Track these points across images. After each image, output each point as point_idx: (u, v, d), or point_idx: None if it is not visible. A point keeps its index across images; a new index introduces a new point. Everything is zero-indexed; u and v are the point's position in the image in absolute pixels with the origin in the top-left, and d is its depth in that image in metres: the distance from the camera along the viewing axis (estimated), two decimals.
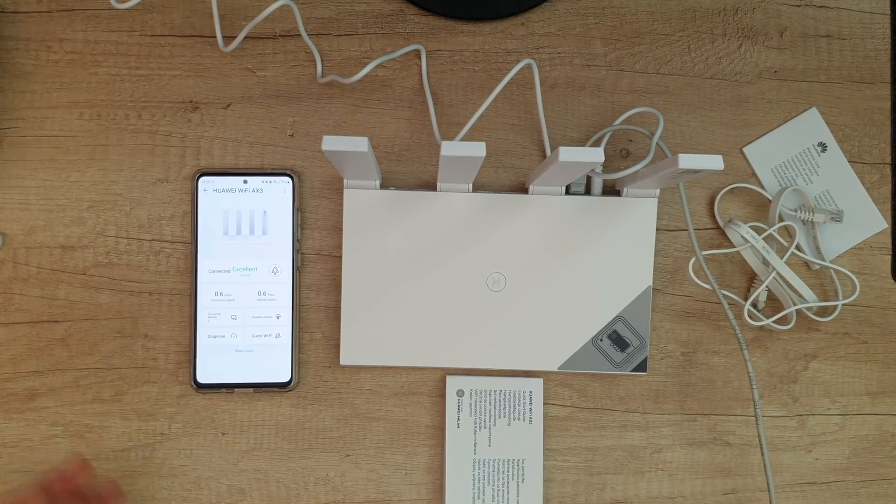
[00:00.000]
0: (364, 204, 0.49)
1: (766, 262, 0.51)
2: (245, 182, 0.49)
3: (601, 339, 0.50)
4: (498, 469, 0.50)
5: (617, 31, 0.52)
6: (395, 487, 0.51)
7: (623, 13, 0.52)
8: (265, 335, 0.49)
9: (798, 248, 0.52)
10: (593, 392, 0.51)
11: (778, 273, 0.49)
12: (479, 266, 0.49)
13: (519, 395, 0.50)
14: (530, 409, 0.50)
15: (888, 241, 0.52)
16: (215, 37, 0.51)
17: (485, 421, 0.50)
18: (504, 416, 0.50)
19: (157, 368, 0.50)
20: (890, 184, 0.53)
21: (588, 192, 0.50)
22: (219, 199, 0.49)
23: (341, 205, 0.51)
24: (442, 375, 0.51)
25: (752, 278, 0.52)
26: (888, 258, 0.52)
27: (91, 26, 0.51)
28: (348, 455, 0.51)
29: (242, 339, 0.49)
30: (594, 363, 0.50)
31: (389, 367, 0.51)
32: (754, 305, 0.51)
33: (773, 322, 0.50)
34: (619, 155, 0.52)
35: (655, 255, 0.52)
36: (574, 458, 0.51)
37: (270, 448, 0.50)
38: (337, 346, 0.51)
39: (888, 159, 0.53)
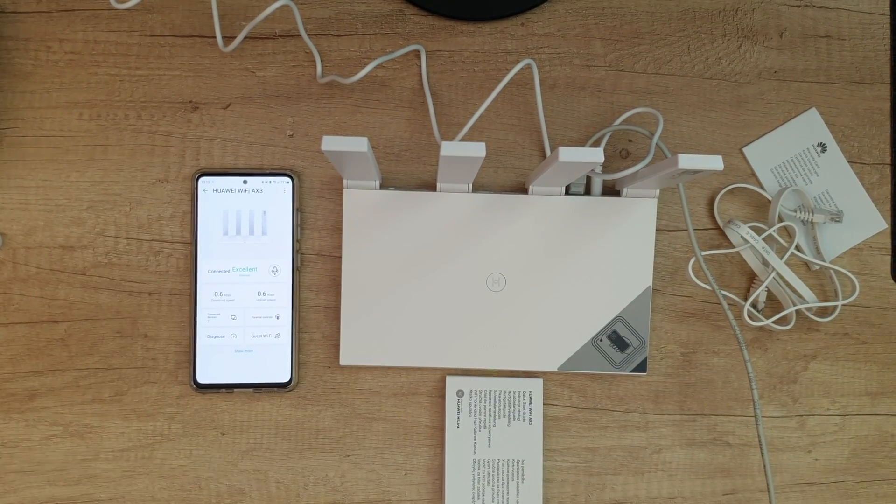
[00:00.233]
0: (364, 204, 0.49)
1: (765, 263, 0.51)
2: (245, 182, 0.49)
3: (601, 340, 0.50)
4: (498, 469, 0.50)
5: (617, 32, 0.52)
6: (394, 488, 0.51)
7: (623, 13, 0.52)
8: (265, 335, 0.49)
9: (798, 248, 0.52)
10: (593, 392, 0.51)
11: (777, 273, 0.49)
12: (479, 266, 0.49)
13: (519, 395, 0.50)
14: (530, 409, 0.50)
15: (888, 241, 0.52)
16: (215, 37, 0.51)
17: (484, 421, 0.50)
18: (504, 416, 0.50)
19: (157, 369, 0.50)
20: (889, 184, 0.53)
21: (588, 192, 0.50)
22: (218, 199, 0.49)
23: (341, 205, 0.51)
24: (442, 376, 0.51)
25: (751, 279, 0.52)
26: (888, 258, 0.52)
27: (91, 26, 0.51)
28: (348, 455, 0.51)
29: (242, 339, 0.49)
30: (594, 363, 0.50)
31: (389, 368, 0.51)
32: (754, 306, 0.51)
33: (773, 322, 0.50)
34: (618, 155, 0.52)
35: (655, 256, 0.52)
36: (574, 459, 0.51)
37: (270, 448, 0.50)
38: (337, 347, 0.51)
39: (888, 160, 0.53)
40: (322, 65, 0.51)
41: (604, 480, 0.51)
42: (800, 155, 0.52)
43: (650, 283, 0.49)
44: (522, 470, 0.50)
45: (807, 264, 0.52)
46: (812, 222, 0.51)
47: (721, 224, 0.52)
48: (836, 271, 0.51)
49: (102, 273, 0.50)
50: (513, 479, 0.50)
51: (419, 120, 0.51)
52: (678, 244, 0.52)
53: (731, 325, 0.49)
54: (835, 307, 0.51)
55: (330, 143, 0.36)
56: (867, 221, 0.52)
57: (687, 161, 0.37)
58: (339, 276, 0.51)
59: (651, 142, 0.48)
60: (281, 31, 0.51)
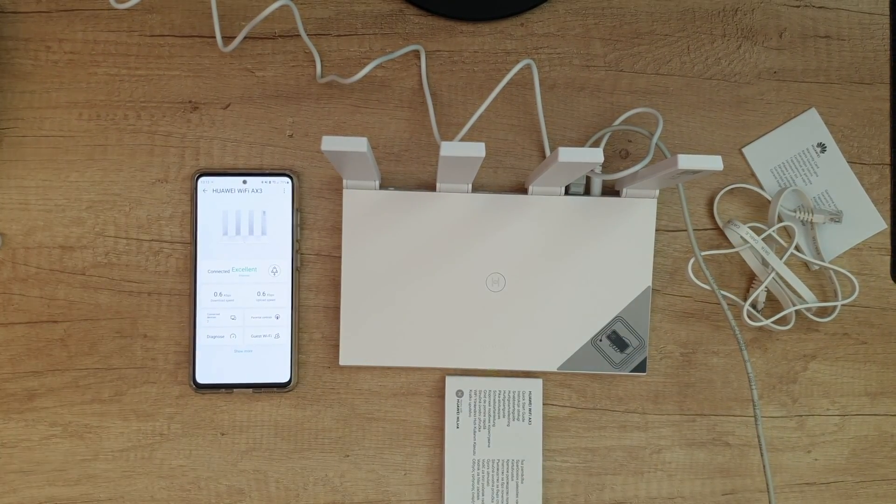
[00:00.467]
0: (363, 204, 0.49)
1: (765, 263, 0.51)
2: (244, 182, 0.49)
3: (600, 340, 0.50)
4: (497, 469, 0.50)
5: (616, 32, 0.52)
6: (394, 488, 0.51)
7: (622, 14, 0.52)
8: (264, 335, 0.49)
9: (797, 248, 0.52)
10: (592, 392, 0.51)
11: (777, 273, 0.50)
12: (479, 266, 0.49)
13: (518, 395, 0.50)
14: (530, 409, 0.50)
15: (887, 241, 0.52)
16: (215, 37, 0.51)
17: (484, 421, 0.50)
18: (503, 416, 0.50)
19: (157, 369, 0.50)
20: (889, 184, 0.53)
21: (587, 192, 0.50)
22: (218, 199, 0.49)
23: (340, 205, 0.51)
24: (441, 376, 0.51)
25: (751, 279, 0.52)
26: (887, 259, 0.52)
27: (90, 26, 0.51)
28: (347, 455, 0.51)
29: (242, 339, 0.49)
30: (593, 364, 0.50)
31: (389, 368, 0.51)
32: (753, 306, 0.51)
33: (773, 322, 0.50)
34: (618, 155, 0.52)
35: (655, 256, 0.52)
36: (573, 459, 0.51)
37: (270, 448, 0.50)
38: (336, 347, 0.51)
39: (887, 160, 0.53)
40: (322, 65, 0.51)
41: (603, 480, 0.51)
42: (799, 155, 0.52)
43: (650, 284, 0.49)
44: (522, 470, 0.50)
45: (806, 264, 0.52)
46: (811, 222, 0.51)
47: (721, 224, 0.52)
48: (836, 271, 0.51)
49: (102, 273, 0.50)
50: (512, 480, 0.50)
51: (419, 120, 0.51)
52: (678, 244, 0.52)
53: (730, 326, 0.49)
54: (834, 307, 0.51)
55: (329, 144, 0.36)
56: (867, 222, 0.52)
57: (686, 161, 0.37)
58: (339, 277, 0.51)
59: (651, 142, 0.48)
60: (280, 32, 0.51)
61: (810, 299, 0.50)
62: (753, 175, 0.52)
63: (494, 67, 0.52)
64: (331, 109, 0.51)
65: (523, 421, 0.50)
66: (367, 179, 0.48)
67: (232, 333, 0.49)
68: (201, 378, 0.49)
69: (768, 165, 0.52)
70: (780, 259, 0.49)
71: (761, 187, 0.52)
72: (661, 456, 0.51)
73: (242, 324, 0.49)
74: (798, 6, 0.53)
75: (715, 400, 0.52)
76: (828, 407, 0.52)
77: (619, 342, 0.50)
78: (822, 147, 0.52)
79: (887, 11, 0.53)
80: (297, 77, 0.51)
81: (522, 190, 0.51)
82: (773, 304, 0.52)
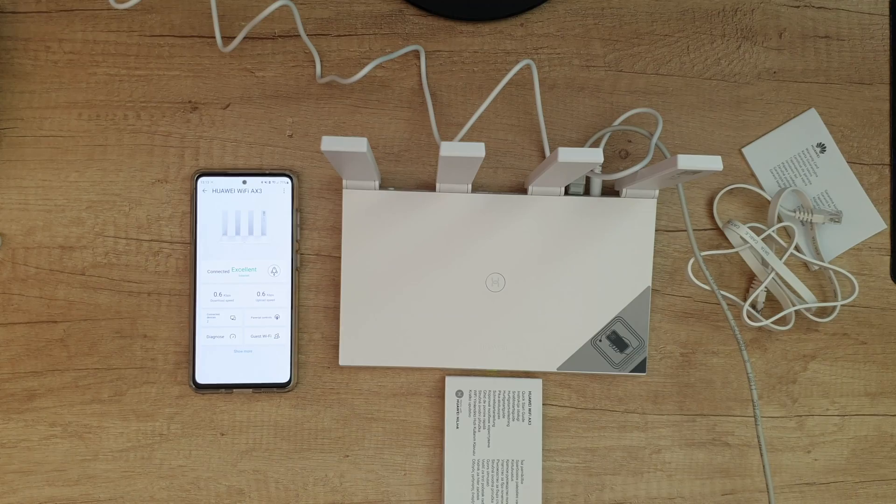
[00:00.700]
0: (363, 204, 0.49)
1: (764, 263, 0.51)
2: (244, 182, 0.49)
3: (600, 340, 0.50)
4: (497, 469, 0.50)
5: (616, 32, 0.52)
6: (394, 488, 0.51)
7: (622, 14, 0.52)
8: (264, 336, 0.49)
9: (797, 248, 0.52)
10: (592, 393, 0.51)
11: (777, 274, 0.50)
12: (478, 266, 0.49)
13: (518, 395, 0.50)
14: (529, 409, 0.50)
15: (887, 241, 0.52)
16: (214, 37, 0.51)
17: (484, 421, 0.50)
18: (503, 416, 0.50)
19: (156, 369, 0.50)
20: (889, 184, 0.53)
21: (587, 192, 0.50)
22: (218, 199, 0.49)
23: (340, 205, 0.51)
24: (441, 376, 0.51)
25: (750, 279, 0.52)
26: (887, 259, 0.53)
27: (90, 26, 0.51)
28: (347, 456, 0.51)
29: (241, 339, 0.49)
30: (593, 364, 0.50)
31: (388, 368, 0.51)
32: (753, 306, 0.51)
33: (772, 323, 0.50)
34: (618, 155, 0.52)
35: (654, 256, 0.52)
36: (573, 459, 0.51)
37: (269, 449, 0.50)
38: (336, 347, 0.51)
39: (887, 160, 0.53)
40: (321, 65, 0.51)
41: (603, 481, 0.51)
42: (799, 155, 0.52)
43: (649, 284, 0.49)
44: (522, 470, 0.50)
45: (806, 265, 0.52)
46: (811, 223, 0.51)
47: (720, 224, 0.52)
48: (836, 272, 0.51)
49: (102, 273, 0.50)
50: (512, 480, 0.50)
51: (418, 120, 0.51)
52: (677, 244, 0.52)
53: (730, 326, 0.49)
54: (834, 307, 0.51)
55: (329, 144, 0.36)
56: (866, 222, 0.52)
57: (686, 161, 0.37)
58: (339, 277, 0.51)
59: (650, 142, 0.48)
60: (280, 32, 0.51)
61: (810, 299, 0.50)
62: (753, 175, 0.52)
63: (494, 68, 0.52)
64: (330, 109, 0.51)
65: (523, 421, 0.50)
66: (367, 179, 0.48)
67: (232, 333, 0.49)
68: (201, 378, 0.49)
69: (768, 165, 0.52)
70: (780, 259, 0.49)
71: (761, 187, 0.52)
72: (661, 456, 0.51)
73: (242, 324, 0.49)
74: (798, 6, 0.53)
75: (715, 400, 0.52)
76: (827, 407, 0.52)
77: (618, 342, 0.50)
78: (822, 147, 0.52)
79: (887, 12, 0.53)
80: (296, 77, 0.51)
81: (522, 190, 0.51)
82: (772, 304, 0.52)
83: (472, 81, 0.52)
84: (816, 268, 0.52)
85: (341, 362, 0.49)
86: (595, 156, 0.37)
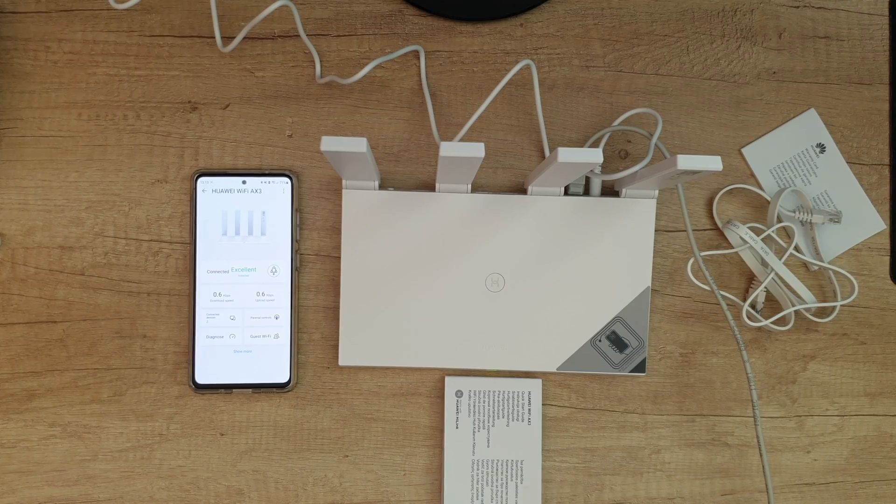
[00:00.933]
0: (363, 204, 0.49)
1: (764, 263, 0.51)
2: (244, 182, 0.49)
3: (600, 340, 0.50)
4: (497, 470, 0.50)
5: (616, 32, 0.52)
6: (393, 488, 0.51)
7: (622, 14, 0.52)
8: (264, 336, 0.49)
9: (796, 249, 0.52)
10: (592, 393, 0.51)
11: (776, 274, 0.50)
12: (478, 267, 0.49)
13: (518, 395, 0.50)
14: (529, 409, 0.50)
15: (886, 242, 0.52)
16: (214, 37, 0.51)
17: (483, 422, 0.50)
18: (503, 416, 0.50)
19: (156, 369, 0.50)
20: (888, 185, 0.53)
21: (587, 192, 0.50)
22: (217, 199, 0.49)
23: (340, 205, 0.51)
24: (441, 376, 0.51)
25: (750, 279, 0.52)
26: (886, 259, 0.53)
27: (90, 27, 0.51)
28: (347, 456, 0.50)
29: (241, 339, 0.49)
30: (593, 364, 0.50)
31: (388, 368, 0.51)
32: (753, 306, 0.51)
33: (772, 323, 0.50)
34: (617, 156, 0.52)
35: (654, 256, 0.52)
36: (573, 459, 0.51)
37: (269, 449, 0.50)
38: (335, 347, 0.51)
39: (886, 160, 0.53)
40: (321, 65, 0.51)
41: (603, 481, 0.51)
42: (799, 155, 0.52)
43: (649, 284, 0.49)
44: (521, 470, 0.50)
45: (806, 265, 0.52)
46: (811, 223, 0.51)
47: (720, 225, 0.52)
48: (835, 272, 0.51)
49: (101, 273, 0.50)
50: (512, 480, 0.50)
51: (418, 120, 0.51)
52: (677, 245, 0.52)
53: (729, 326, 0.49)
54: (833, 308, 0.51)
55: (329, 144, 0.36)
56: (866, 222, 0.52)
57: (686, 162, 0.37)
58: (338, 277, 0.51)
59: (650, 142, 0.48)
60: (280, 32, 0.51)
61: (809, 300, 0.50)
62: (753, 175, 0.52)
63: (494, 68, 0.52)
64: (330, 110, 0.51)
65: (523, 421, 0.50)
66: (367, 180, 0.48)
67: (231, 334, 0.49)
68: (200, 378, 0.49)
69: (767, 166, 0.52)
70: (780, 259, 0.49)
71: (760, 188, 0.52)
72: (661, 456, 0.51)
73: (242, 324, 0.49)
74: (797, 7, 0.53)
75: (714, 400, 0.52)
76: (827, 407, 0.52)
77: (618, 342, 0.50)
78: (822, 147, 0.52)
79: (886, 12, 0.53)
80: (296, 77, 0.51)
81: (522, 190, 0.51)
82: (772, 304, 0.52)
83: (472, 81, 0.52)
84: (816, 268, 0.52)
85: (341, 362, 0.49)
86: (595, 156, 0.37)
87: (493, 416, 0.50)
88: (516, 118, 0.52)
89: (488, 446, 0.50)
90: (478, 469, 0.50)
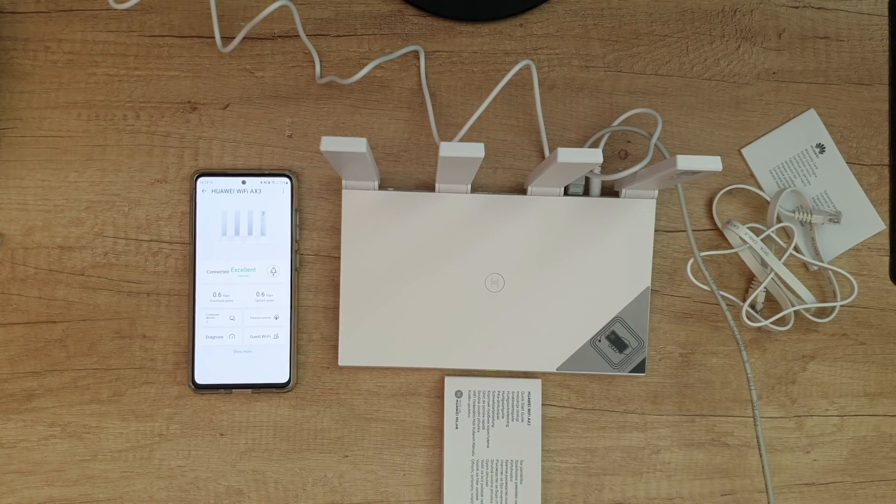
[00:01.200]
0: (362, 205, 0.49)
1: (764, 264, 0.51)
2: (243, 183, 0.49)
3: (600, 340, 0.50)
4: (496, 470, 0.50)
5: (615, 33, 0.52)
6: (393, 488, 0.51)
7: (621, 14, 0.52)
8: (263, 336, 0.49)
9: (796, 249, 0.52)
10: (592, 393, 0.51)
11: (776, 274, 0.50)
12: (478, 267, 0.49)
13: (517, 395, 0.50)
14: (529, 409, 0.50)
15: (886, 242, 0.53)
16: (214, 37, 0.51)
17: (483, 422, 0.50)
18: (502, 416, 0.50)
19: (156, 369, 0.50)
20: (888, 185, 0.53)
21: (586, 192, 0.50)
22: (217, 199, 0.49)
23: (340, 205, 0.51)
24: (440, 376, 0.51)
25: (750, 279, 0.52)
26: (886, 259, 0.53)
27: (89, 27, 0.51)
28: (346, 456, 0.50)
29: (241, 339, 0.49)
30: (592, 364, 0.50)
31: (388, 368, 0.51)
32: (752, 306, 0.51)
33: (772, 323, 0.50)
34: (617, 156, 0.52)
35: (654, 256, 0.52)
36: (572, 459, 0.51)
37: (269, 449, 0.50)
38: (335, 347, 0.51)
39: (886, 161, 0.53)
40: (321, 65, 0.51)
41: (602, 481, 0.51)
42: (798, 156, 0.52)
43: (649, 284, 0.49)
44: (521, 470, 0.50)
45: (805, 265, 0.52)
46: (810, 223, 0.51)
47: (720, 225, 0.52)
48: (835, 272, 0.51)
49: (101, 273, 0.50)
50: (511, 480, 0.50)
51: (418, 120, 0.51)
52: (677, 245, 0.52)
53: (729, 326, 0.49)
54: (833, 308, 0.51)
55: (329, 144, 0.36)
56: (865, 222, 0.52)
57: (685, 162, 0.37)
58: (338, 277, 0.51)
59: (650, 142, 0.48)
60: (280, 32, 0.51)
61: (809, 300, 0.50)
62: (752, 176, 0.52)
63: (493, 68, 0.52)
64: (330, 110, 0.51)
65: (522, 421, 0.50)
66: (367, 180, 0.48)
67: (231, 334, 0.49)
68: (200, 378, 0.49)
69: (767, 166, 0.52)
70: (779, 260, 0.49)
71: (760, 188, 0.52)
72: (660, 456, 0.51)
73: (241, 324, 0.49)
74: (797, 7, 0.53)
75: (714, 400, 0.52)
76: (827, 407, 0.52)
77: (618, 343, 0.50)
78: (821, 148, 0.52)
79: (886, 12, 0.53)
80: (296, 77, 0.51)
81: (521, 190, 0.51)
82: (772, 304, 0.52)
83: (472, 82, 0.52)
84: (816, 268, 0.52)
85: (340, 362, 0.49)
86: (594, 156, 0.37)
87: (493, 417, 0.50)
88: (516, 118, 0.52)
89: (488, 446, 0.50)
90: (477, 469, 0.50)
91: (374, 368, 0.51)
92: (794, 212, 0.51)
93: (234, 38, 0.50)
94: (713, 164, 0.37)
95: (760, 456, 0.48)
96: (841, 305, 0.52)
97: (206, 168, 0.50)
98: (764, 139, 0.52)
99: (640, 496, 0.51)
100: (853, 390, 0.52)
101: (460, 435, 0.50)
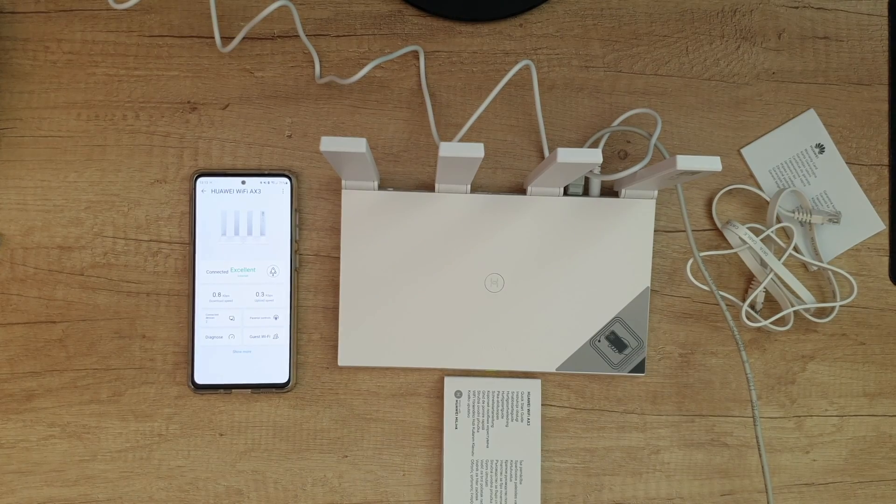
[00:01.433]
0: (362, 205, 0.49)
1: (763, 264, 0.51)
2: (243, 183, 0.49)
3: (599, 341, 0.50)
4: (496, 470, 0.50)
5: (615, 33, 0.52)
6: (392, 488, 0.51)
7: (621, 14, 0.52)
8: (263, 336, 0.49)
9: (796, 249, 0.52)
10: (591, 393, 0.51)
11: (776, 274, 0.50)
12: (478, 267, 0.49)
13: (517, 396, 0.50)
14: (528, 410, 0.50)
15: (886, 242, 0.53)
16: (213, 37, 0.51)
17: (483, 422, 0.50)
18: (502, 416, 0.50)
19: (155, 369, 0.50)
20: (887, 185, 0.53)
21: (586, 193, 0.50)
22: (217, 199, 0.49)
23: (339, 206, 0.51)
24: (440, 376, 0.51)
25: (749, 279, 0.52)
26: (886, 259, 0.53)
27: (89, 27, 0.51)
28: (346, 456, 0.50)
29: (240, 339, 0.49)
30: (592, 364, 0.50)
31: (387, 368, 0.51)
32: (752, 307, 0.51)
33: (771, 323, 0.50)
34: (617, 156, 0.52)
35: (653, 257, 0.52)
36: (572, 459, 0.51)
37: (268, 449, 0.50)
38: (335, 347, 0.51)
39: (886, 161, 0.53)
40: (320, 65, 0.51)
41: (602, 481, 0.51)
42: (798, 156, 0.52)
43: (648, 284, 0.49)
44: (521, 471, 0.50)
45: (805, 265, 0.52)
46: (810, 223, 0.51)
47: (719, 225, 0.52)
48: (834, 272, 0.51)
49: (100, 273, 0.50)
50: (511, 480, 0.50)
51: (418, 121, 0.51)
52: (676, 245, 0.52)
53: (729, 326, 0.49)
54: (833, 308, 0.51)
55: (328, 144, 0.36)
56: (865, 222, 0.52)
57: (685, 162, 0.37)
58: (338, 277, 0.51)
59: (649, 143, 0.48)
60: (279, 32, 0.51)
61: (809, 300, 0.50)
62: (752, 176, 0.52)
63: (493, 68, 0.52)
64: (329, 110, 0.51)
65: (522, 421, 0.50)
66: (366, 180, 0.48)
67: (230, 334, 0.49)
68: (200, 378, 0.49)
69: (767, 166, 0.52)
70: (779, 260, 0.49)
71: (760, 188, 0.52)
72: (660, 456, 0.51)
73: (241, 324, 0.49)
74: (797, 7, 0.53)
75: (713, 400, 0.52)
76: (826, 408, 0.52)
77: (617, 343, 0.50)
78: (821, 148, 0.52)
79: (886, 13, 0.53)
80: (295, 77, 0.51)
81: (521, 190, 0.52)
82: (771, 304, 0.52)
83: (472, 82, 0.52)
84: (815, 268, 0.52)
85: (340, 363, 0.49)
86: (594, 156, 0.37)
87: (493, 417, 0.50)
88: (516, 118, 0.52)
89: (487, 446, 0.50)
90: (477, 469, 0.50)
91: (373, 368, 0.51)
92: (793, 212, 0.51)
93: (233, 38, 0.50)
94: (713, 164, 0.37)
95: (760, 456, 0.48)
96: (840, 305, 0.52)
97: (206, 168, 0.50)
98: (763, 139, 0.52)
99: (639, 496, 0.51)
100: (853, 390, 0.52)
101: (460, 435, 0.50)
